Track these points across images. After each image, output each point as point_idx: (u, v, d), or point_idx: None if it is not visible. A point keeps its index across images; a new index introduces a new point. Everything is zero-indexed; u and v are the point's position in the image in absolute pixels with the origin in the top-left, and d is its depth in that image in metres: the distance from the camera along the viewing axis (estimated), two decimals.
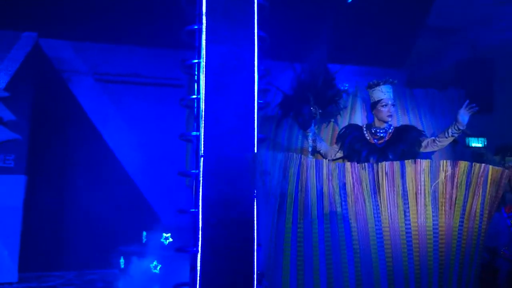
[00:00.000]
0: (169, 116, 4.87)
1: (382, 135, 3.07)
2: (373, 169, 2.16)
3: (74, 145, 5.17)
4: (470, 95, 4.25)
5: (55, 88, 5.02)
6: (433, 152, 3.12)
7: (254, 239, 2.41)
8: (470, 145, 6.20)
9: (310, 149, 3.08)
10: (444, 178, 2.13)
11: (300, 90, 3.22)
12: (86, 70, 5.10)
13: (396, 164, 2.15)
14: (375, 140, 3.06)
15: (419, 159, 2.18)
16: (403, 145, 2.95)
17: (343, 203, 2.12)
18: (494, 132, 6.75)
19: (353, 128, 3.23)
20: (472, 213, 2.17)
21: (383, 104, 3.04)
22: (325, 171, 2.15)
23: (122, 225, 5.04)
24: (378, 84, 3.09)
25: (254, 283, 2.41)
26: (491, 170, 2.20)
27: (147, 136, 5.24)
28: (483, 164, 2.19)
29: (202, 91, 2.61)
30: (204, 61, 2.62)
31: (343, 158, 3.16)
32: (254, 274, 2.41)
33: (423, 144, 2.97)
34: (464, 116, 2.75)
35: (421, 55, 6.08)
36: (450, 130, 2.81)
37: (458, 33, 5.57)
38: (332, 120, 3.51)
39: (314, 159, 2.19)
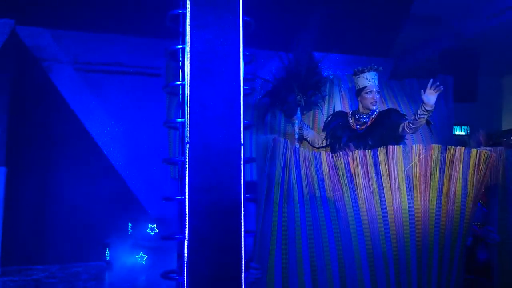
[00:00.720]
0: (152, 105, 4.80)
1: (364, 120, 3.07)
2: (347, 157, 2.17)
3: (56, 136, 5.05)
4: (455, 84, 4.32)
5: (35, 78, 4.89)
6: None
7: (241, 225, 2.38)
8: (453, 134, 6.28)
9: (296, 137, 3.07)
10: (418, 162, 2.14)
11: (285, 79, 3.20)
12: (67, 59, 4.98)
13: (369, 153, 2.16)
14: (357, 126, 3.07)
15: (391, 146, 2.17)
16: (383, 129, 2.95)
17: (321, 189, 2.13)
18: (478, 120, 6.86)
19: (338, 115, 3.23)
20: (451, 196, 2.17)
21: (368, 91, 3.04)
22: (301, 158, 2.16)
23: (107, 217, 4.99)
24: (363, 71, 3.09)
25: (241, 270, 2.39)
26: (474, 152, 2.20)
27: (130, 126, 5.16)
28: (458, 147, 2.17)
29: (187, 77, 2.56)
30: (189, 46, 2.56)
31: (326, 145, 3.16)
32: (241, 260, 2.38)
33: (400, 128, 2.94)
34: (429, 96, 2.67)
35: (406, 44, 6.10)
36: (418, 112, 2.75)
37: (443, 22, 5.59)
38: (316, 108, 3.51)
39: (292, 146, 2.19)
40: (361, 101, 3.10)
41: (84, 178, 5.03)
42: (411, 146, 2.16)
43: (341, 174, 2.17)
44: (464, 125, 6.86)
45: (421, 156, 2.14)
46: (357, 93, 3.13)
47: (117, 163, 5.16)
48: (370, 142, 2.91)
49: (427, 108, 2.68)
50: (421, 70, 6.05)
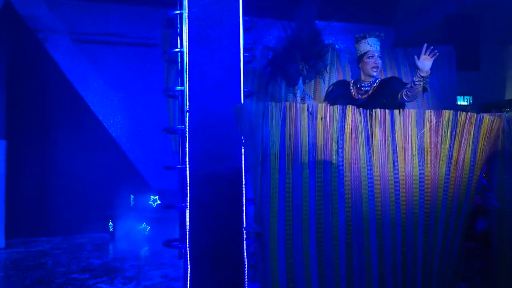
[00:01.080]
0: (151, 76, 4.73)
1: (366, 89, 3.02)
2: (366, 115, 2.11)
3: (55, 108, 5.01)
4: (457, 52, 4.24)
5: (31, 49, 4.79)
6: None
7: (242, 193, 2.39)
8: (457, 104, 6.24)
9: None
10: (429, 128, 2.11)
11: (287, 47, 3.14)
12: (63, 29, 4.87)
13: (387, 113, 2.12)
14: (359, 95, 3.03)
15: (407, 109, 2.15)
16: (383, 98, 2.90)
17: (340, 150, 2.06)
18: (480, 90, 6.79)
19: (339, 85, 3.18)
20: (460, 163, 2.16)
21: (369, 55, 2.98)
22: (320, 115, 2.05)
23: (109, 189, 5.00)
24: (364, 37, 3.02)
25: (243, 238, 2.41)
26: (485, 119, 2.17)
27: (129, 98, 5.11)
28: (469, 113, 2.14)
29: (185, 44, 2.50)
30: (187, 12, 2.50)
31: None
32: (243, 229, 2.40)
33: (399, 96, 2.86)
34: (424, 62, 2.57)
35: (408, 11, 5.98)
36: (414, 79, 2.66)
37: None
38: (319, 76, 3.46)
39: (306, 104, 2.11)
40: (362, 67, 3.04)
41: (84, 150, 5.02)
42: (425, 112, 2.10)
43: (360, 133, 2.09)
44: (467, 95, 6.79)
45: (432, 122, 2.10)
46: (359, 59, 3.07)
47: (117, 135, 5.14)
48: (371, 112, 2.87)
49: (422, 74, 2.60)
50: (423, 38, 5.95)
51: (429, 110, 2.16)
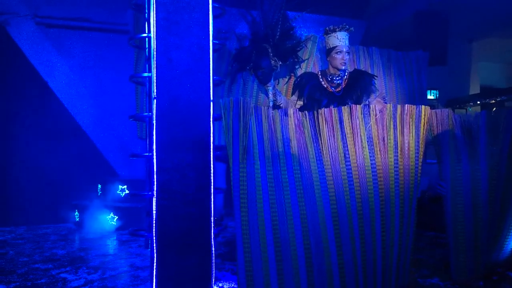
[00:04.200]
0: (119, 63, 4.62)
1: (338, 82, 3.08)
2: (313, 116, 2.26)
3: (18, 95, 4.82)
4: (425, 48, 4.36)
5: None
6: None
7: (210, 182, 2.38)
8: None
9: (271, 104, 3.01)
10: (376, 121, 2.27)
11: (257, 41, 3.08)
12: (26, 12, 4.67)
13: (334, 111, 2.25)
14: (333, 88, 3.08)
15: (353, 105, 2.28)
16: (359, 89, 3.01)
17: (286, 147, 2.19)
18: (447, 84, 7.00)
19: (309, 77, 3.19)
20: (405, 152, 2.32)
21: (338, 51, 3.03)
22: (264, 116, 2.19)
23: (76, 178, 4.89)
24: (334, 30, 3.05)
25: (211, 226, 2.40)
26: (423, 109, 2.35)
27: (96, 85, 4.97)
28: (407, 105, 2.32)
29: (153, 29, 2.45)
30: None
31: (302, 108, 3.12)
32: (211, 217, 2.39)
33: (371, 97, 3.09)
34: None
35: (380, 6, 6.07)
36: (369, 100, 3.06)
37: None
38: (292, 73, 3.45)
39: (253, 105, 2.21)
40: (330, 61, 3.08)
41: (50, 138, 4.87)
42: (370, 107, 2.29)
43: (307, 132, 2.24)
44: (434, 89, 6.99)
45: (377, 115, 2.27)
46: (327, 52, 3.10)
47: (84, 122, 5.00)
48: (350, 103, 2.94)
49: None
50: (393, 32, 6.07)
51: (373, 105, 2.35)
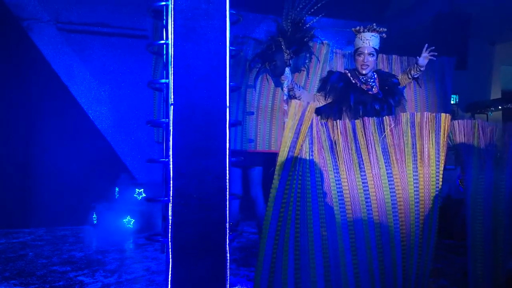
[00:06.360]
0: (138, 68, 4.68)
1: (372, 84, 2.98)
2: (327, 127, 2.23)
3: (39, 98, 4.92)
4: (446, 51, 4.29)
5: (15, 37, 4.70)
6: None
7: (226, 188, 2.38)
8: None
9: (285, 98, 2.98)
10: (390, 131, 2.24)
11: (273, 37, 3.10)
12: (48, 18, 4.77)
13: (348, 124, 2.23)
14: (366, 88, 2.96)
15: (366, 118, 2.25)
16: (397, 95, 3.01)
17: (311, 154, 2.17)
18: (467, 89, 6.86)
19: (340, 74, 3.04)
20: (425, 160, 2.26)
21: (359, 52, 2.96)
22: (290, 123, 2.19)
23: (94, 181, 4.95)
24: (359, 32, 2.98)
25: (226, 232, 2.39)
26: (443, 117, 2.29)
27: (115, 89, 5.04)
28: (426, 112, 2.27)
29: (171, 36, 2.47)
30: (172, 3, 2.46)
31: (332, 106, 3.01)
32: (226, 223, 2.39)
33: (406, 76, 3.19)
34: (424, 59, 3.06)
35: (399, 9, 5.99)
36: (412, 72, 3.13)
37: None
38: (303, 67, 3.44)
39: (296, 95, 2.20)
40: (355, 63, 3.00)
41: (69, 141, 4.95)
42: (384, 118, 2.26)
43: (323, 141, 2.22)
44: (453, 93, 6.84)
45: (392, 126, 2.24)
46: (353, 53, 3.05)
47: (102, 126, 5.07)
48: (393, 103, 2.95)
49: (421, 69, 3.10)
50: (413, 35, 5.98)
51: (387, 116, 2.29)
